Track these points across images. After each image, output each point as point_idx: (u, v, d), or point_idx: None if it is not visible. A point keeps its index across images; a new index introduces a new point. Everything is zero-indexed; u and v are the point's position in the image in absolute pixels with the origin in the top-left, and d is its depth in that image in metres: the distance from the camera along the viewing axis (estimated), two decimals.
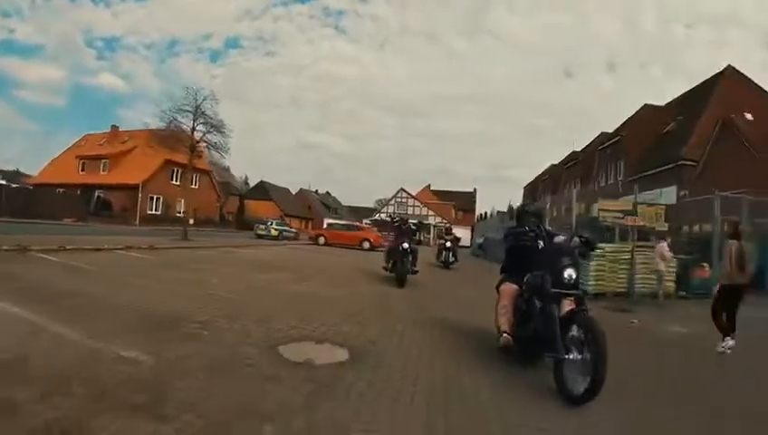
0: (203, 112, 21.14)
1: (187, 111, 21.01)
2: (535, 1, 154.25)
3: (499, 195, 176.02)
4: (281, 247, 25.15)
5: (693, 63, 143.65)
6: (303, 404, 3.49)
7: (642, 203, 14.22)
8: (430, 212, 65.16)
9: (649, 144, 31.95)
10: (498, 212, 79.84)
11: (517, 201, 71.14)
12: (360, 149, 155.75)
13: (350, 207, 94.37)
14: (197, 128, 21.43)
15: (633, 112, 37.53)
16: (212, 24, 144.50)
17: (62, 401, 3.07)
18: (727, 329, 6.75)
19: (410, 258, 11.78)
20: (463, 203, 75.81)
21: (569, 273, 4.61)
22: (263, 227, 34.39)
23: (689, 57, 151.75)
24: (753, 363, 6.40)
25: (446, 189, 79.68)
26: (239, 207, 57.12)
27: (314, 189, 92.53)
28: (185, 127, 21.40)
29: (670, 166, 26.72)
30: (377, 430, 3.23)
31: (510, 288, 5.20)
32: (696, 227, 17.71)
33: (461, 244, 28.82)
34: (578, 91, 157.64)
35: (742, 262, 6.69)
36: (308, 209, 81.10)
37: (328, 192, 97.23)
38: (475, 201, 79.38)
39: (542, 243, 5.06)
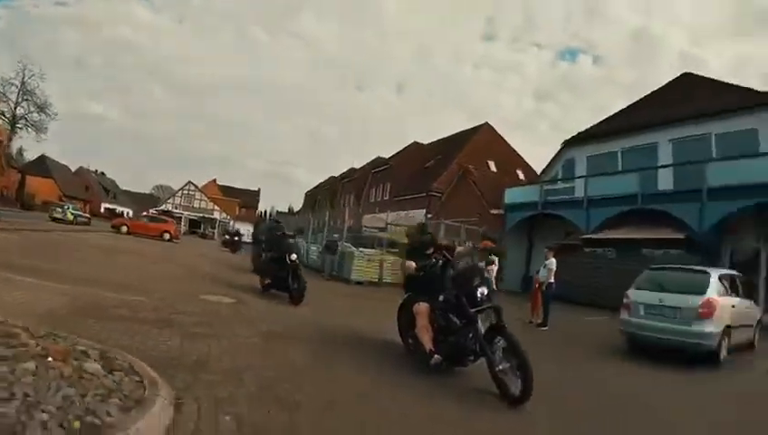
0: (28, 90, 20.21)
1: (14, 84, 19.91)
2: (341, 15, 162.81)
3: (282, 193, 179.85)
4: (94, 234, 25.70)
5: (474, 100, 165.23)
6: (232, 312, 7.68)
7: (392, 223, 19.20)
8: (216, 207, 65.67)
9: (412, 174, 38.79)
10: (278, 212, 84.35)
11: (298, 204, 76.04)
12: (142, 128, 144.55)
13: (127, 191, 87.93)
14: (21, 104, 20.29)
15: (404, 147, 44.86)
16: None
17: (150, 314, 6.23)
18: None
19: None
20: (247, 200, 77.78)
21: (481, 291, 5.11)
22: (59, 210, 34.13)
23: (472, 94, 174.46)
24: None
25: (231, 185, 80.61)
26: (20, 184, 49.85)
27: (94, 169, 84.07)
28: (10, 102, 20.13)
29: (423, 194, 33.56)
30: (263, 320, 6.99)
31: (424, 308, 5.47)
32: None
33: (245, 239, 31.54)
34: (367, 106, 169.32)
35: None
36: (86, 190, 73.82)
37: (103, 172, 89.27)
38: (258, 199, 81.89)
39: (450, 269, 5.45)
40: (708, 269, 8.69)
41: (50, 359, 3.06)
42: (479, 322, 4.99)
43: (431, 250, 6.00)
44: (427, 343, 5.29)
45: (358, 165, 54.92)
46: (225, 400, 3.56)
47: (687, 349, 7.76)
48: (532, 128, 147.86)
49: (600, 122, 24.23)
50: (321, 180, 69.53)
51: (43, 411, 2.39)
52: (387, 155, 46.51)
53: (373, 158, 49.40)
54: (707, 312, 7.59)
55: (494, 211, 24.67)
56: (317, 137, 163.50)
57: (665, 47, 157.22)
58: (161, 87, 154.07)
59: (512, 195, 24.05)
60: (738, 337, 8.59)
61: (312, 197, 66.96)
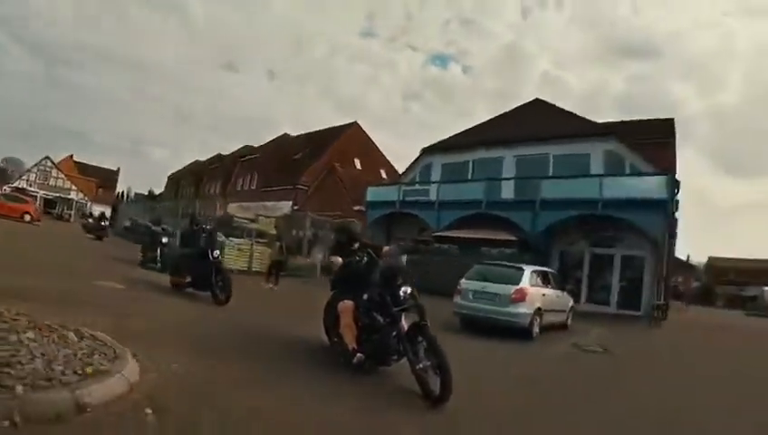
0: None
1: None
2: None
3: (142, 174, 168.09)
4: None
5: (345, 94, 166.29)
6: (124, 297, 8.32)
7: (261, 215, 20.16)
8: (73, 187, 59.78)
9: (281, 165, 39.17)
10: (136, 194, 79.12)
11: (160, 187, 71.90)
12: None
13: None
14: None
15: (273, 137, 44.98)
16: None
17: (64, 297, 6.37)
18: (273, 280, 13.18)
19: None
20: (105, 180, 71.41)
21: (404, 290, 5.13)
22: None
23: (344, 87, 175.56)
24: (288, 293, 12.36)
25: (89, 163, 73.14)
26: None
27: None
28: None
29: (290, 187, 34.35)
30: (153, 313, 7.24)
31: (349, 305, 5.43)
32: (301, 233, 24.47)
33: (102, 223, 29.59)
34: (237, 88, 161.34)
35: (281, 251, 13.74)
36: None
37: None
38: (117, 179, 76.03)
39: (374, 267, 5.50)
40: (524, 266, 10.67)
41: (38, 329, 3.89)
42: (402, 320, 5.07)
43: (356, 246, 5.86)
44: (351, 342, 5.30)
45: (225, 151, 53.79)
46: (168, 355, 4.61)
47: (505, 326, 9.57)
48: (399, 125, 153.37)
49: (457, 134, 26.70)
50: (186, 164, 66.72)
51: (59, 365, 3.27)
52: (256, 143, 46.38)
53: (242, 145, 48.90)
54: (519, 297, 9.50)
55: (356, 207, 26.26)
56: (183, 118, 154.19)
57: (532, 65, 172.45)
58: (22, 47, 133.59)
59: (374, 193, 25.97)
60: (550, 319, 10.69)
61: (176, 181, 63.87)
